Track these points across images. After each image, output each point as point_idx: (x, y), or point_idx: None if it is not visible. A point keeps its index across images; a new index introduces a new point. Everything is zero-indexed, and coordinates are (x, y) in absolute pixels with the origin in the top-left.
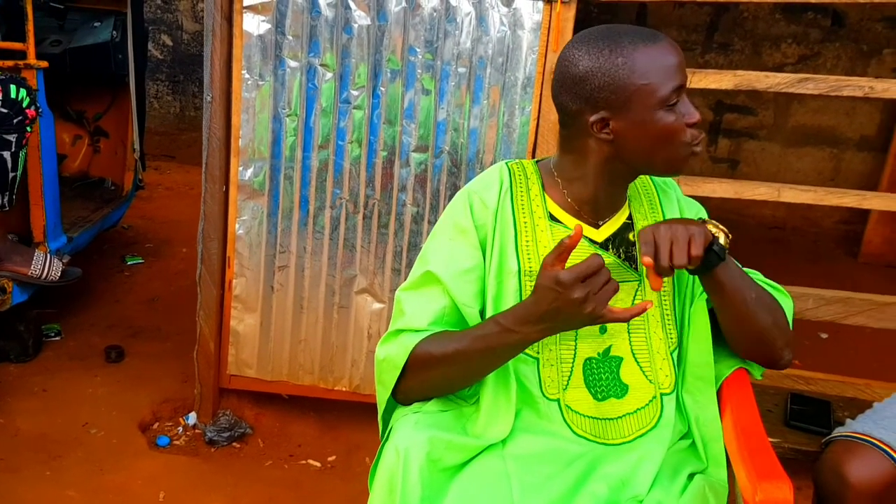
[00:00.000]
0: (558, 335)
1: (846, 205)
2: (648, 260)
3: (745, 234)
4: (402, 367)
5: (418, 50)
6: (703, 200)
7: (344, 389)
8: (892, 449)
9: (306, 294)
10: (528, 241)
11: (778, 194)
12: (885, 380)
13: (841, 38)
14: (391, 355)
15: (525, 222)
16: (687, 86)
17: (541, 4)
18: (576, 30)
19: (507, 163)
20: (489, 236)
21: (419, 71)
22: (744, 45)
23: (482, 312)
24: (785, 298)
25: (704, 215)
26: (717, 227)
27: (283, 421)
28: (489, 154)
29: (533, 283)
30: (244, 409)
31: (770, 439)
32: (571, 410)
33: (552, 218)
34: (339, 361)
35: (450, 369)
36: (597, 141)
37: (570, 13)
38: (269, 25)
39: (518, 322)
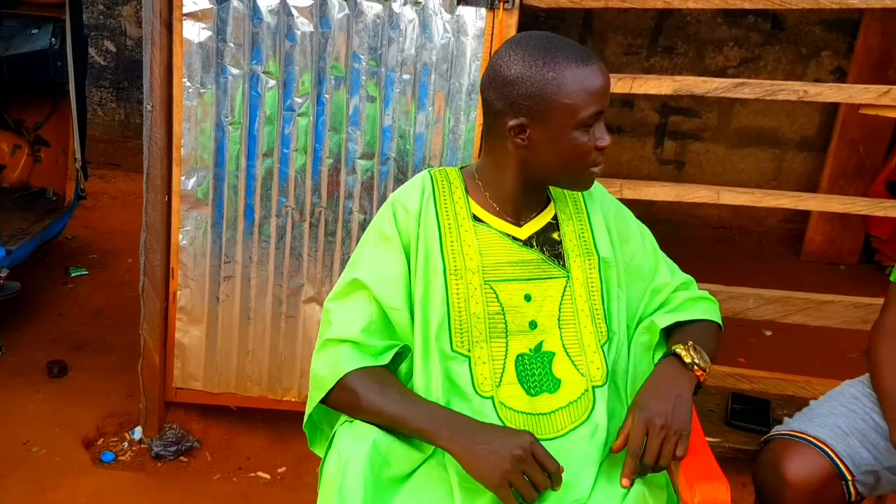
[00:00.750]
0: (490, 332)
1: (783, 206)
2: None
3: (692, 235)
4: (328, 389)
5: (362, 57)
6: (646, 203)
7: (293, 400)
8: (827, 446)
9: (253, 304)
10: (452, 242)
11: (717, 196)
12: (825, 376)
13: (781, 42)
14: (322, 375)
15: (449, 224)
16: (606, 110)
17: (484, 11)
18: None
19: (429, 171)
20: (413, 240)
21: (364, 78)
22: (687, 48)
23: (411, 314)
24: (712, 305)
25: (632, 218)
26: (694, 360)
27: (231, 433)
28: (436, 160)
29: (458, 282)
30: (191, 422)
31: (711, 439)
32: (505, 407)
33: (476, 218)
34: (288, 372)
35: (362, 413)
36: (513, 144)
37: (513, 20)
38: (209, 33)
39: (438, 424)
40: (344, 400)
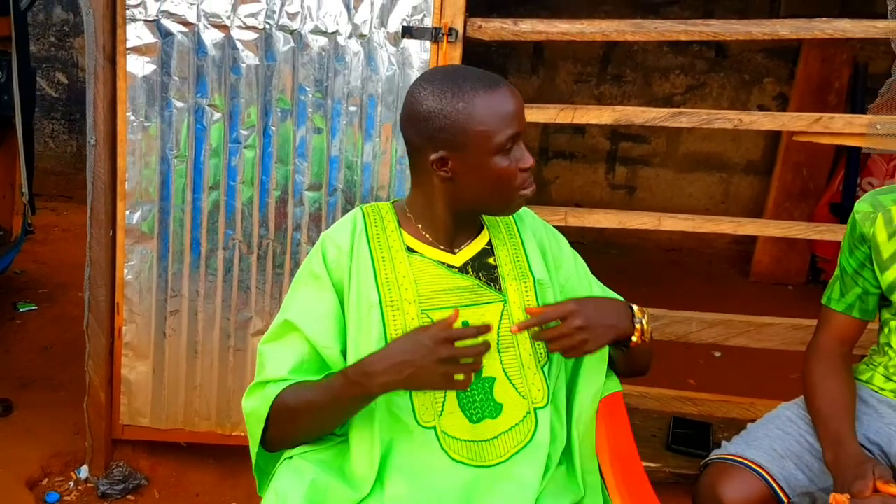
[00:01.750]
0: None
1: (722, 231)
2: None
3: (645, 258)
4: (265, 418)
5: (308, 89)
6: (599, 228)
7: (243, 434)
8: (763, 469)
9: (200, 338)
10: (387, 274)
11: (659, 223)
12: (772, 397)
13: (725, 69)
14: (255, 408)
15: (383, 257)
16: (524, 131)
17: (428, 44)
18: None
19: (361, 207)
20: (345, 277)
21: (310, 110)
22: (635, 76)
23: (344, 353)
24: None
25: (565, 242)
26: (642, 321)
27: (180, 470)
28: (383, 190)
29: (395, 314)
30: (139, 459)
31: (652, 464)
32: (448, 436)
33: (409, 250)
34: (237, 406)
35: (305, 420)
36: (437, 177)
37: (457, 52)
38: (154, 66)
39: (362, 373)
40: (282, 419)
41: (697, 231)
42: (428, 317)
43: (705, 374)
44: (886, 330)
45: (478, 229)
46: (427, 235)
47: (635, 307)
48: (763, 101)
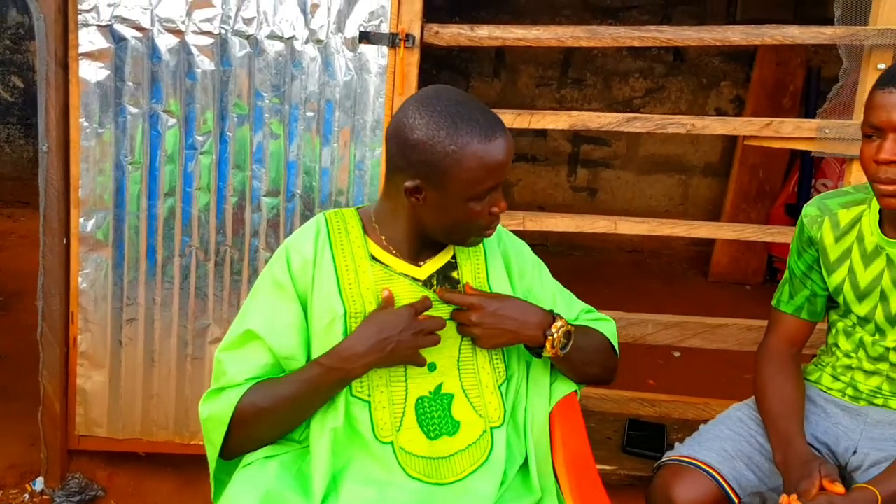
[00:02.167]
0: (390, 376)
1: (677, 234)
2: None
3: (606, 259)
4: (227, 422)
5: (265, 94)
6: (548, 234)
7: (201, 443)
8: (714, 470)
9: (157, 347)
10: (351, 284)
11: (615, 227)
12: (730, 396)
13: (683, 73)
14: (216, 412)
15: (347, 266)
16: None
17: (385, 49)
18: (421, 74)
19: (324, 213)
20: (309, 287)
21: (267, 115)
22: (596, 80)
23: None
24: (607, 324)
25: (528, 252)
26: (559, 331)
27: (138, 479)
28: (342, 196)
29: (357, 323)
30: (96, 470)
31: (607, 467)
32: (405, 452)
33: (374, 259)
34: (195, 414)
35: (277, 417)
36: (408, 200)
37: (414, 58)
38: (107, 72)
39: (341, 359)
40: (248, 420)
41: (652, 234)
42: None
43: (665, 375)
44: (834, 331)
45: (442, 245)
46: (392, 247)
47: (560, 321)
48: (720, 104)
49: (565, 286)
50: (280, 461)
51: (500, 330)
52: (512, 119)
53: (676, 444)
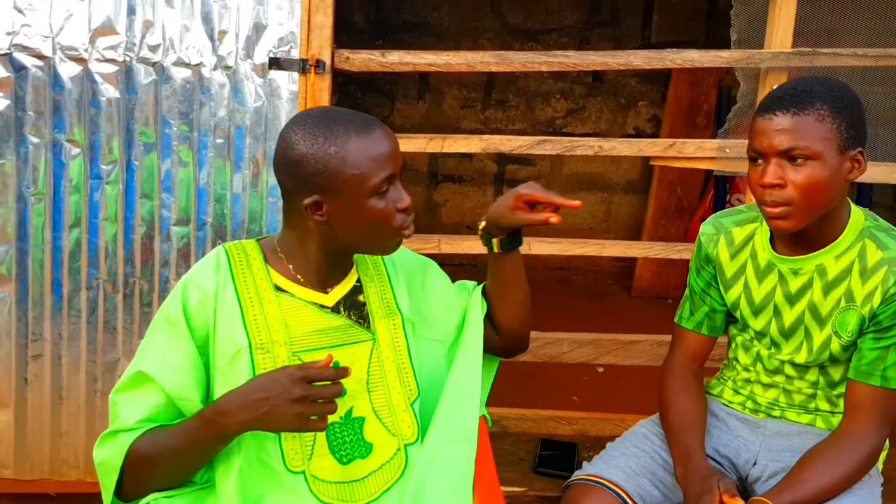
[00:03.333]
0: None
1: (588, 254)
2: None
3: (534, 276)
4: (119, 469)
5: (173, 122)
6: (456, 257)
7: None
8: (619, 488)
9: (65, 383)
10: (255, 316)
11: (528, 248)
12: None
13: (602, 93)
14: (107, 458)
15: (250, 297)
16: (401, 172)
17: (296, 75)
18: (334, 97)
19: (223, 246)
20: (211, 321)
21: (175, 142)
22: (519, 101)
23: (205, 403)
24: None
25: (433, 269)
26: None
27: None
28: (256, 223)
29: (265, 357)
30: None
31: (517, 488)
32: (317, 480)
33: (278, 289)
34: None
35: (162, 466)
36: (312, 221)
37: (325, 83)
38: (7, 101)
39: (219, 412)
40: (138, 468)
41: (564, 254)
42: (299, 359)
43: (588, 391)
44: (734, 345)
45: (349, 269)
46: (299, 276)
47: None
48: (638, 123)
49: None
50: (183, 498)
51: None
52: (425, 143)
53: (584, 464)
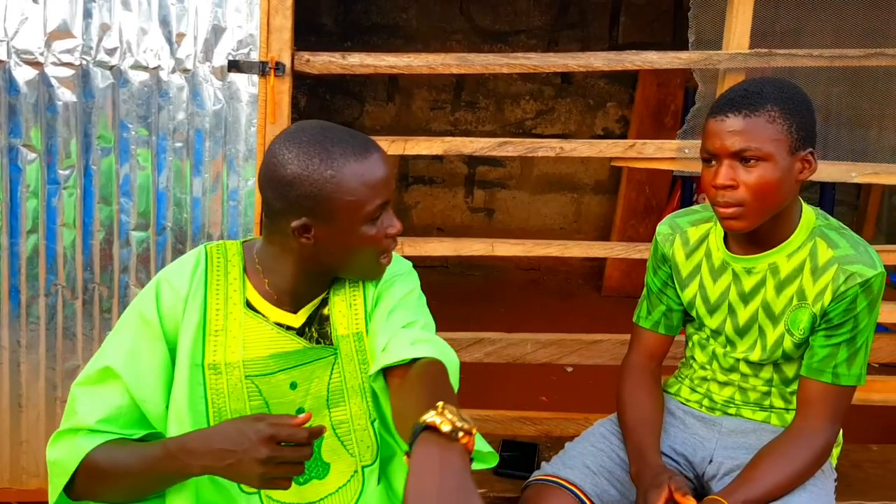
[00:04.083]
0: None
1: (551, 254)
2: None
3: (506, 278)
4: (71, 473)
5: (131, 125)
6: (427, 259)
7: None
8: (577, 487)
9: (24, 391)
10: (217, 331)
11: (492, 249)
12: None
13: (571, 94)
14: (61, 459)
15: (217, 310)
16: (393, 198)
17: (256, 78)
18: (302, 99)
19: (206, 246)
20: (178, 326)
21: (133, 146)
22: (488, 102)
23: (168, 408)
24: (450, 356)
25: (400, 283)
26: (455, 424)
27: None
28: (216, 227)
29: (217, 377)
30: None
31: (478, 490)
32: (272, 500)
33: (249, 306)
34: None
35: (115, 484)
36: (298, 243)
37: (285, 86)
38: None
39: (184, 450)
40: (91, 478)
41: (528, 255)
42: (253, 383)
43: (557, 391)
44: (690, 344)
45: (323, 290)
46: (273, 293)
47: (432, 421)
48: (607, 124)
49: (465, 307)
50: None
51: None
52: (386, 145)
53: (543, 464)
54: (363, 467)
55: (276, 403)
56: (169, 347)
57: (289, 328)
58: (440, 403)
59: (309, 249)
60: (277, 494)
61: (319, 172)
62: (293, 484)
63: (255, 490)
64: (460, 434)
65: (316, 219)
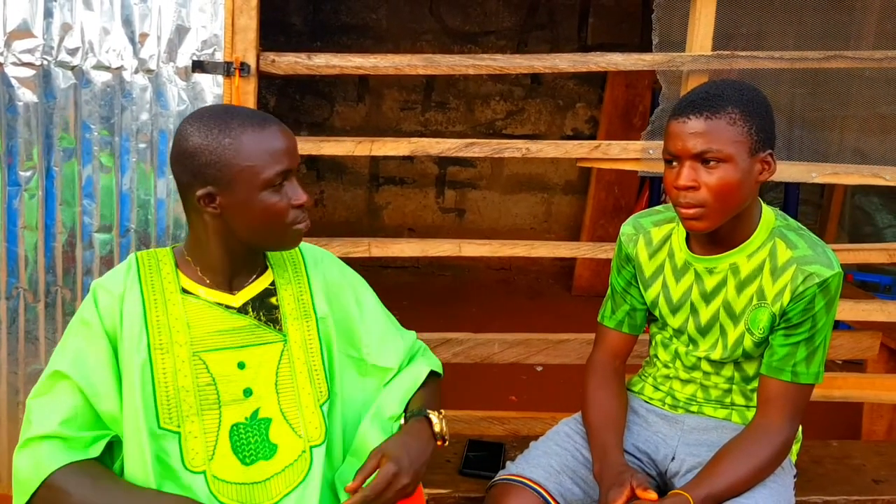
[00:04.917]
0: (201, 405)
1: (518, 255)
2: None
3: (477, 277)
4: (32, 492)
5: (93, 126)
6: (398, 259)
7: None
8: (541, 486)
9: None
10: (158, 316)
11: (459, 250)
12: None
13: (541, 95)
14: (24, 477)
15: (155, 299)
16: (296, 169)
17: (220, 78)
18: (263, 101)
19: (135, 253)
20: (118, 322)
21: (96, 147)
22: (458, 103)
23: (123, 400)
24: (434, 363)
25: (370, 291)
26: (443, 431)
27: None
28: (181, 229)
29: (164, 357)
30: None
31: (442, 490)
32: (218, 480)
33: (185, 291)
34: None
35: None
36: (207, 215)
37: (251, 87)
38: None
39: None
40: (53, 496)
41: (495, 255)
42: (200, 359)
43: (526, 390)
44: (654, 342)
45: (260, 269)
46: (206, 278)
47: (433, 418)
48: (577, 124)
49: (435, 307)
50: None
51: (421, 464)
52: (353, 147)
53: (508, 463)
54: (311, 447)
55: (224, 380)
56: (112, 345)
57: (228, 307)
58: (443, 411)
59: (220, 223)
60: (223, 474)
61: (219, 140)
62: (239, 464)
63: (201, 469)
64: (439, 440)
65: (218, 186)
